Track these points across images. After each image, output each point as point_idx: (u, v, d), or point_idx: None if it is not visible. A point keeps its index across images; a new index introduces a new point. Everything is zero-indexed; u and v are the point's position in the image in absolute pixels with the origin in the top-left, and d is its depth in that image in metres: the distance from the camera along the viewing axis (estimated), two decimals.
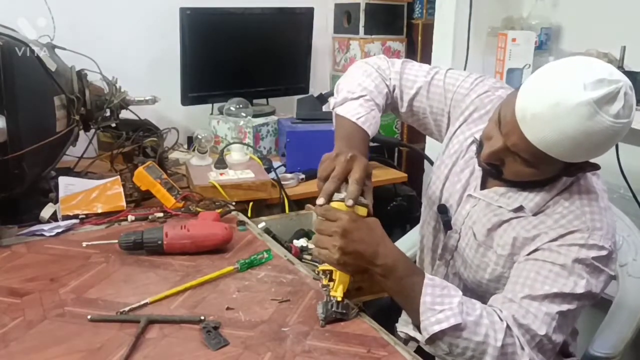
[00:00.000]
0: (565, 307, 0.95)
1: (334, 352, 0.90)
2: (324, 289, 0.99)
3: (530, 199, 1.03)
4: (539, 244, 1.00)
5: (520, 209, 1.04)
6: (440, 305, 0.93)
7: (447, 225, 1.15)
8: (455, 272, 1.18)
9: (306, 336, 0.94)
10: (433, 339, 0.93)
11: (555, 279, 0.96)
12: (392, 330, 0.99)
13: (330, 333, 0.94)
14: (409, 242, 1.58)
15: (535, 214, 1.03)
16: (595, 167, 1.00)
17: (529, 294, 0.96)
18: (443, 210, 1.16)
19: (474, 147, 1.13)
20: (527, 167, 0.97)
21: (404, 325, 1.00)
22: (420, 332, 0.95)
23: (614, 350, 1.22)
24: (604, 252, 0.97)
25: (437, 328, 0.92)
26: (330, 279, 0.99)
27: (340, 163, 0.98)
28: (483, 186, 1.12)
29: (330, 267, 0.98)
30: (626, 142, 1.61)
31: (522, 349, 0.94)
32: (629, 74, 1.64)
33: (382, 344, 0.93)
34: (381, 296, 1.28)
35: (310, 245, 1.40)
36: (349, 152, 1.00)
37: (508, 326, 0.95)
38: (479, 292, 1.12)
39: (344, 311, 0.97)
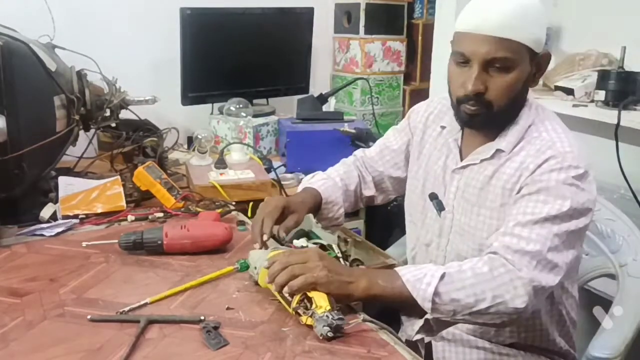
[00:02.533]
0: (556, 228, 1.01)
1: (334, 352, 0.90)
2: (311, 315, 0.94)
3: (503, 140, 1.11)
4: (522, 182, 1.07)
5: (498, 152, 1.11)
6: (420, 274, 0.99)
7: (441, 207, 1.20)
8: (455, 255, 1.18)
9: (306, 336, 0.93)
10: (436, 306, 0.96)
11: (543, 206, 1.02)
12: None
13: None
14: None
15: (512, 154, 1.10)
16: (548, 57, 1.10)
17: (520, 221, 1.02)
18: (434, 196, 1.21)
19: (444, 134, 1.23)
20: (507, 73, 1.04)
21: (409, 327, 1.00)
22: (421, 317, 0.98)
23: (614, 351, 1.22)
24: (580, 171, 1.03)
25: (430, 290, 0.96)
26: (307, 309, 0.95)
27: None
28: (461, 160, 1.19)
29: (301, 295, 0.95)
30: (626, 142, 1.61)
31: (520, 270, 0.98)
32: (629, 74, 1.66)
33: (382, 344, 0.93)
34: None
35: (311, 245, 1.39)
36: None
37: (491, 258, 1.00)
38: None
39: (341, 316, 0.93)
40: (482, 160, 1.14)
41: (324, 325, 0.91)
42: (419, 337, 1.02)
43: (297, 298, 0.96)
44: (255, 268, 1.07)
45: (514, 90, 1.06)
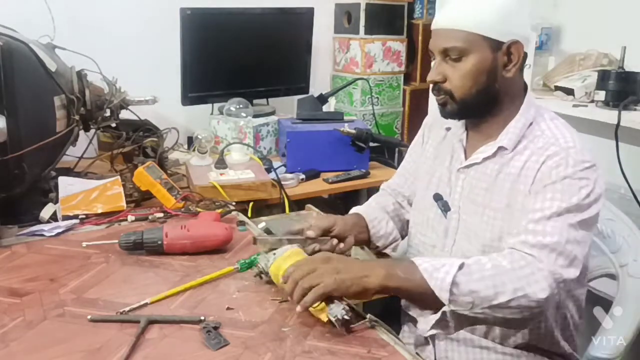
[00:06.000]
0: (570, 219, 1.01)
1: (334, 352, 0.90)
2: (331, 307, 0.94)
3: (504, 137, 1.13)
4: (528, 181, 1.08)
5: (500, 149, 1.13)
6: (439, 264, 0.97)
7: (447, 207, 1.19)
8: (460, 256, 1.14)
9: (306, 336, 0.94)
10: (454, 297, 0.94)
11: (551, 202, 1.02)
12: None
13: (330, 333, 0.94)
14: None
15: (515, 152, 1.11)
16: (519, 46, 1.10)
17: (532, 218, 1.02)
18: (439, 197, 1.21)
19: (448, 136, 1.25)
20: (462, 62, 1.08)
21: (424, 323, 0.99)
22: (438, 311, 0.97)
23: (614, 351, 1.22)
24: (587, 164, 1.04)
25: (449, 279, 0.94)
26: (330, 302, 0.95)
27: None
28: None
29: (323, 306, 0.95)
30: (626, 142, 1.61)
31: (540, 262, 0.98)
32: (629, 74, 1.66)
33: (382, 344, 0.93)
34: (381, 297, 1.28)
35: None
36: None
37: (511, 252, 1.00)
38: None
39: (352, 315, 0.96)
40: (484, 159, 1.14)
41: (342, 308, 0.93)
42: (433, 332, 0.99)
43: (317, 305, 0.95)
44: (274, 254, 1.06)
45: (473, 77, 1.09)
